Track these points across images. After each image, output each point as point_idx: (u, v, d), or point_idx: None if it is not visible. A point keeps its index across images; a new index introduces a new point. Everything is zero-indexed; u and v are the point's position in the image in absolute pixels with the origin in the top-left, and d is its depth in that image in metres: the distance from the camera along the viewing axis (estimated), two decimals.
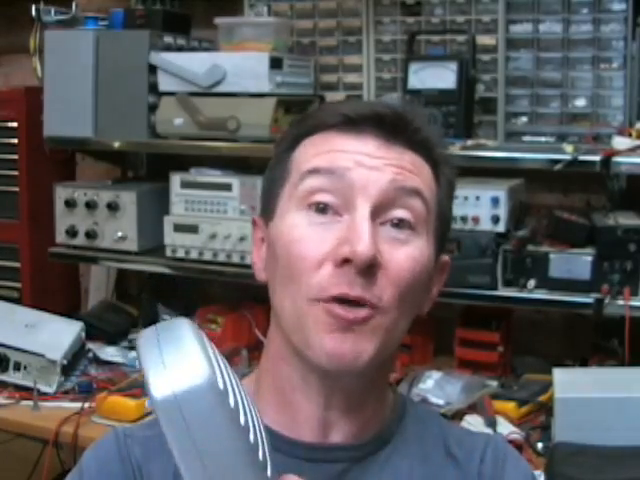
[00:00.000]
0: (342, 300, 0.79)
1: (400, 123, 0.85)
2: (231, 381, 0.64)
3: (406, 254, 0.82)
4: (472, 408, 1.93)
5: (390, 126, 0.85)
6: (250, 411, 0.65)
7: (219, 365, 0.63)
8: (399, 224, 0.83)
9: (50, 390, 2.09)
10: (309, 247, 0.81)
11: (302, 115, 0.93)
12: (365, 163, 0.83)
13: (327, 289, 0.80)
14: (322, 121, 0.87)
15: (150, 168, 2.79)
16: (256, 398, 0.90)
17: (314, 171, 0.84)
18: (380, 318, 0.80)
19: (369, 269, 0.79)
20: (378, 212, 0.82)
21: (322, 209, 0.82)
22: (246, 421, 0.63)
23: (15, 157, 2.62)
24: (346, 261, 0.79)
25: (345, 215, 0.82)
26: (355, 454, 0.87)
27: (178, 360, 0.61)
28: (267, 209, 0.90)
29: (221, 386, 0.60)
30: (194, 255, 2.32)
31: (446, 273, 0.93)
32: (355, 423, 0.87)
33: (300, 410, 0.87)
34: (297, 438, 0.86)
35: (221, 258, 2.29)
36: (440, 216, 0.88)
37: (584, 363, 2.11)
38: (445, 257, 0.92)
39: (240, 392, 0.65)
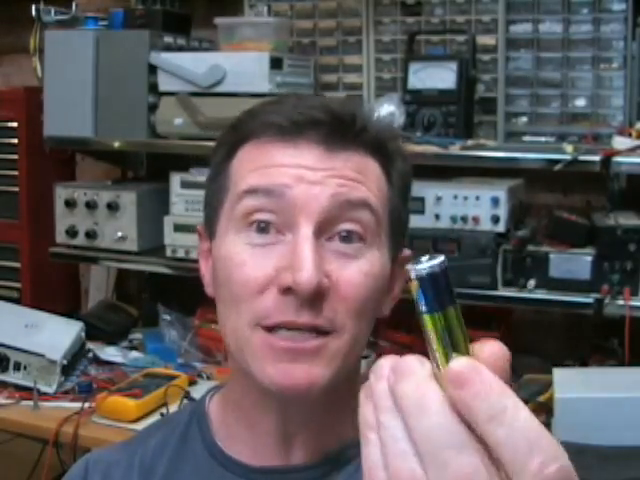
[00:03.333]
0: (289, 327, 0.75)
1: (341, 126, 0.79)
2: None
3: (357, 270, 0.77)
4: None
5: (329, 131, 0.79)
6: None
7: None
8: (347, 237, 0.78)
9: (50, 390, 2.09)
10: (250, 272, 0.77)
11: (235, 119, 0.87)
12: (305, 178, 0.77)
13: (271, 316, 0.76)
14: (255, 130, 0.82)
15: (150, 168, 2.79)
16: (225, 417, 0.88)
17: (251, 191, 0.79)
18: (336, 342, 0.77)
19: (317, 295, 0.74)
20: (323, 229, 0.77)
21: (263, 228, 0.78)
22: None
23: (15, 157, 2.62)
24: (290, 289, 0.74)
25: (288, 234, 0.77)
26: (316, 473, 0.83)
27: None
28: (209, 224, 0.86)
29: None
30: (194, 255, 2.32)
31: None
32: (316, 440, 0.84)
33: (260, 430, 0.84)
34: (258, 463, 0.84)
35: None
36: (393, 216, 0.84)
37: (584, 363, 2.11)
38: (406, 252, 0.88)
39: None
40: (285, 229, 0.78)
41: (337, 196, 0.78)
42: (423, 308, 0.41)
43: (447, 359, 0.41)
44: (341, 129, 0.79)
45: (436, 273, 0.40)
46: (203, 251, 0.88)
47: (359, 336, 0.79)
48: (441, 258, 0.41)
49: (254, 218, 0.78)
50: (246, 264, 0.77)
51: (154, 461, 0.88)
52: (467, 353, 0.41)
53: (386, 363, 0.42)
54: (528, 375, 2.14)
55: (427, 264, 0.40)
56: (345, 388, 0.82)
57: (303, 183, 0.77)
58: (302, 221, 0.76)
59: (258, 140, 0.82)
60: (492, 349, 0.42)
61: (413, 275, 0.41)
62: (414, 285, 0.41)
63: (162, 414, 1.89)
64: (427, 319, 0.41)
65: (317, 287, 0.74)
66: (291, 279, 0.74)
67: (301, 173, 0.78)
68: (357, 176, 0.79)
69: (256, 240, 0.78)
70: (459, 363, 0.40)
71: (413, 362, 0.41)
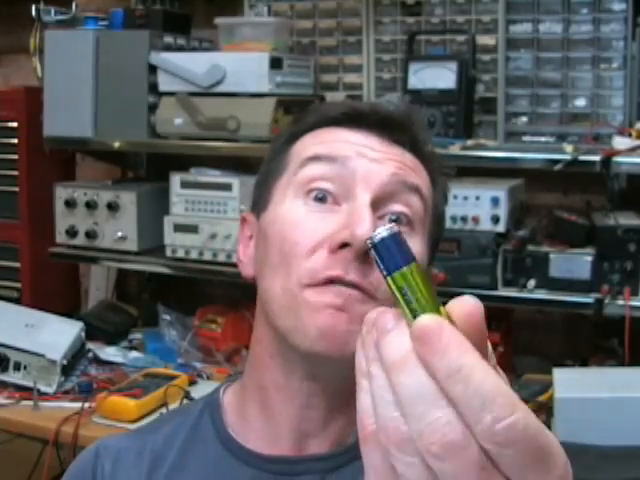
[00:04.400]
0: (336, 282, 0.76)
1: (401, 124, 0.85)
2: None
3: None
4: None
5: (392, 126, 0.84)
6: None
7: None
8: (397, 219, 0.81)
9: (50, 390, 2.09)
10: (304, 233, 0.79)
11: (301, 114, 0.91)
12: (367, 155, 0.82)
13: (320, 272, 0.77)
14: (324, 116, 0.86)
15: (150, 168, 2.79)
16: (240, 405, 0.89)
17: (315, 158, 0.82)
18: (371, 308, 0.78)
19: (367, 256, 0.75)
20: (377, 204, 0.80)
21: (321, 198, 0.80)
22: None
23: (15, 157, 2.62)
24: (343, 246, 0.76)
25: (344, 204, 0.80)
26: (329, 464, 0.84)
27: None
28: (260, 200, 0.87)
29: None
30: (194, 255, 2.32)
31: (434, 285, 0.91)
32: (334, 429, 0.85)
33: (280, 414, 0.84)
34: (270, 452, 0.84)
35: (221, 258, 2.29)
36: (435, 219, 0.87)
37: (584, 363, 2.11)
38: (435, 271, 0.91)
39: None
40: (342, 200, 0.80)
41: (395, 176, 0.82)
42: (383, 273, 0.44)
43: (414, 317, 0.43)
44: (402, 126, 0.85)
45: (385, 238, 0.44)
46: (244, 237, 0.90)
47: None
48: (390, 225, 0.45)
49: (314, 186, 0.81)
50: (300, 225, 0.80)
51: (164, 450, 0.89)
52: (436, 311, 0.43)
53: (374, 316, 0.45)
54: (528, 375, 2.14)
55: (377, 233, 0.44)
56: None
57: (365, 158, 0.82)
58: (360, 192, 0.79)
59: (324, 127, 0.86)
60: (462, 306, 0.43)
61: (369, 245, 0.44)
62: (372, 254, 0.44)
63: (162, 414, 1.89)
64: (388, 281, 0.44)
65: None
66: (348, 234, 0.76)
67: (364, 150, 0.82)
68: (414, 166, 0.85)
69: (313, 207, 0.81)
70: (421, 321, 0.42)
71: (390, 319, 0.44)
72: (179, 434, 0.90)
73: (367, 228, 0.75)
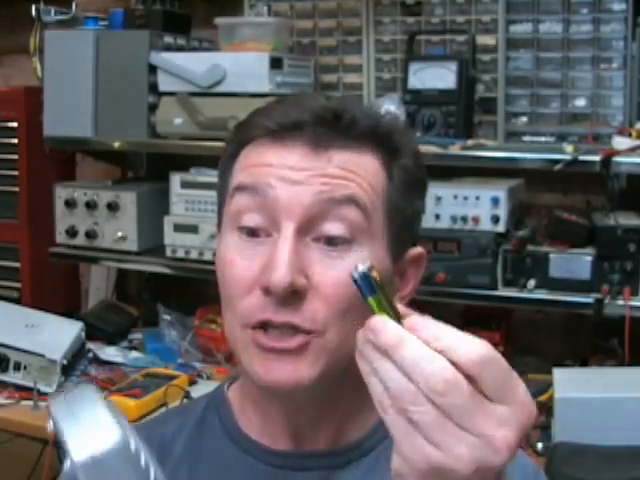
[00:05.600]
0: (269, 325, 0.77)
1: (325, 124, 0.80)
2: (137, 438, 0.68)
3: (342, 271, 0.77)
4: None
5: (314, 130, 0.80)
6: (155, 463, 0.70)
7: (127, 425, 0.68)
8: (332, 239, 0.78)
9: (50, 390, 2.09)
10: (238, 272, 0.79)
11: (238, 123, 0.88)
12: (288, 178, 0.79)
13: (253, 315, 0.78)
14: (250, 133, 0.84)
15: (150, 168, 2.79)
16: (243, 404, 0.90)
17: (239, 188, 0.81)
18: (320, 341, 0.78)
19: (293, 295, 0.76)
20: (308, 228, 0.78)
21: (252, 232, 0.80)
22: (155, 477, 0.67)
23: (15, 157, 2.62)
24: (269, 289, 0.77)
25: (274, 234, 0.79)
26: (333, 462, 0.85)
27: (93, 425, 0.65)
28: (218, 217, 0.88)
29: (133, 448, 0.65)
30: (194, 255, 2.32)
31: (423, 265, 0.88)
32: (328, 430, 0.86)
33: (272, 417, 0.86)
34: (275, 447, 0.86)
35: None
36: (391, 213, 0.82)
37: (584, 363, 2.11)
38: (416, 249, 0.87)
39: (144, 445, 0.70)
40: (272, 230, 0.79)
41: (320, 194, 0.78)
42: (367, 295, 0.61)
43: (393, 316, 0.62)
44: (326, 127, 0.80)
45: (366, 272, 0.60)
46: (216, 242, 0.91)
47: (347, 336, 0.77)
48: (368, 263, 0.61)
49: (243, 223, 0.80)
50: (235, 264, 0.80)
51: (171, 443, 0.90)
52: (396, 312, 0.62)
53: (364, 330, 0.60)
54: (528, 375, 2.14)
55: (361, 268, 0.61)
56: (348, 383, 0.82)
57: (286, 183, 0.79)
58: (284, 221, 0.78)
59: (255, 142, 0.83)
60: (411, 321, 0.60)
61: (356, 276, 0.61)
62: (357, 282, 0.61)
63: (164, 411, 1.89)
64: (371, 301, 0.61)
65: (290, 286, 0.75)
66: (268, 278, 0.76)
67: (285, 173, 0.79)
68: (343, 173, 0.79)
69: (245, 242, 0.80)
70: (411, 318, 0.60)
71: (379, 321, 0.60)
72: (185, 429, 0.91)
73: (281, 274, 0.75)
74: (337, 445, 0.86)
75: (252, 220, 0.80)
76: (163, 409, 1.91)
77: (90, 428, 0.65)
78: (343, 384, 0.83)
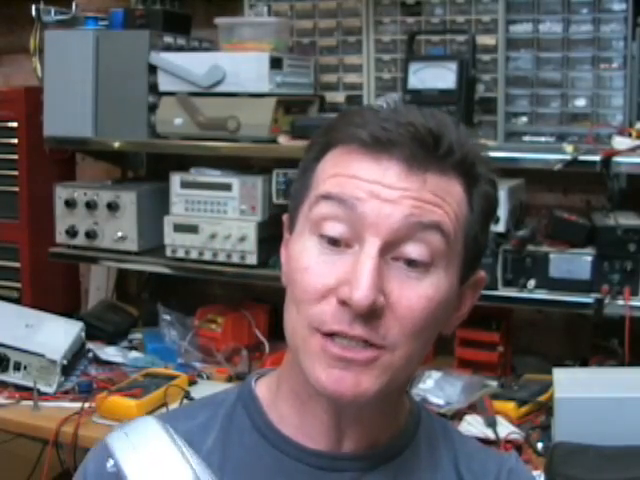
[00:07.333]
0: (340, 335, 0.78)
1: (425, 146, 0.79)
2: (199, 466, 0.65)
3: (418, 294, 0.78)
4: (472, 408, 1.93)
5: (413, 150, 0.79)
6: None
7: (191, 457, 0.65)
8: (413, 262, 0.79)
9: (50, 390, 2.09)
10: (314, 279, 0.79)
11: (328, 124, 0.87)
12: (379, 195, 0.78)
13: (327, 323, 0.78)
14: (343, 138, 0.83)
15: (150, 168, 2.79)
16: (275, 400, 0.91)
17: (326, 197, 0.80)
18: (388, 357, 0.79)
19: (371, 313, 0.76)
20: (390, 247, 0.78)
21: (333, 242, 0.80)
22: None
23: (15, 157, 2.62)
24: (346, 303, 0.77)
25: (356, 246, 0.79)
26: (365, 464, 0.87)
27: (162, 469, 0.62)
28: (291, 217, 0.88)
29: None
30: (194, 255, 2.32)
31: (481, 287, 0.90)
32: (367, 433, 0.87)
33: (314, 417, 0.87)
34: (310, 446, 0.87)
35: (221, 258, 2.29)
36: (468, 240, 0.83)
37: (584, 363, 2.11)
38: (480, 273, 0.89)
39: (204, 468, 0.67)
40: (354, 241, 0.79)
41: (409, 217, 0.78)
42: None
43: None
44: (425, 149, 0.79)
45: None
46: (284, 239, 0.90)
47: (413, 354, 0.80)
48: None
49: (325, 231, 0.80)
50: (310, 270, 0.80)
51: (199, 436, 0.89)
52: None
53: None
54: (528, 375, 2.14)
55: None
56: (397, 393, 0.87)
57: (377, 199, 0.78)
58: (369, 237, 0.78)
59: (345, 147, 0.82)
60: None
61: None
62: None
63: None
64: None
65: (371, 306, 0.76)
66: (348, 293, 0.76)
67: (377, 190, 0.78)
68: (434, 199, 0.79)
69: (325, 249, 0.80)
70: None
71: None
72: (214, 423, 0.91)
73: (363, 292, 0.75)
74: (371, 447, 0.87)
75: (335, 230, 0.79)
76: (163, 409, 1.91)
77: (158, 471, 0.61)
78: (394, 393, 0.86)
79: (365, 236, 0.78)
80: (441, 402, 1.94)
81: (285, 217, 0.91)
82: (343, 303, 0.77)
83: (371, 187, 0.78)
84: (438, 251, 0.79)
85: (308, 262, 0.80)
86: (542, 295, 1.98)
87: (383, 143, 0.79)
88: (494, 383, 2.08)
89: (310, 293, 0.79)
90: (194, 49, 2.49)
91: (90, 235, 2.44)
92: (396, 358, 0.79)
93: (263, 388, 0.93)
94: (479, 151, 0.85)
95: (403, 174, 0.79)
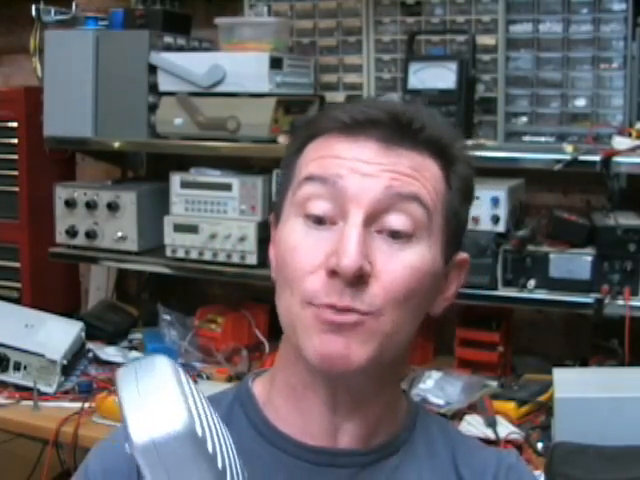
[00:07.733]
0: (332, 307, 0.80)
1: (399, 125, 0.84)
2: (208, 421, 0.63)
3: (402, 263, 0.81)
4: (472, 408, 1.93)
5: (388, 128, 0.84)
6: (227, 448, 0.65)
7: (197, 406, 0.63)
8: (396, 232, 0.82)
9: (50, 390, 2.09)
10: (302, 256, 0.82)
11: (307, 118, 0.93)
12: (359, 170, 0.82)
13: (318, 297, 0.80)
14: (322, 126, 0.87)
15: (150, 168, 2.79)
16: (270, 398, 0.91)
17: (309, 178, 0.84)
18: (374, 322, 0.80)
19: (358, 279, 0.79)
20: (372, 219, 0.81)
21: (319, 220, 0.83)
22: (223, 465, 0.63)
23: (15, 157, 2.62)
24: (335, 272, 0.79)
25: (340, 222, 0.82)
26: (363, 460, 0.87)
27: (157, 405, 0.60)
28: (276, 213, 0.91)
29: (199, 433, 0.60)
30: (194, 255, 2.32)
31: (465, 270, 0.93)
32: (363, 426, 0.87)
33: (310, 410, 0.87)
34: (306, 442, 0.87)
35: (221, 258, 2.29)
36: (449, 216, 0.87)
37: (584, 363, 2.11)
38: (463, 255, 0.92)
39: (216, 427, 0.64)
40: (339, 218, 0.82)
41: (389, 189, 0.82)
42: None
43: None
44: (399, 128, 0.84)
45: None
46: (273, 238, 0.93)
47: (400, 322, 0.82)
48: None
49: (310, 210, 0.83)
50: (299, 248, 0.83)
51: None
52: None
53: None
54: (528, 375, 2.14)
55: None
56: (388, 378, 0.88)
57: (356, 174, 0.82)
58: (352, 210, 0.81)
59: (324, 136, 0.87)
60: None
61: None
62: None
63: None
64: None
65: (358, 271, 0.78)
66: (336, 261, 0.79)
67: (356, 165, 0.83)
68: (412, 172, 0.84)
69: (311, 227, 0.83)
70: None
71: None
72: None
73: (350, 258, 0.78)
74: (368, 444, 0.88)
75: (319, 208, 0.83)
76: None
77: (155, 408, 0.60)
78: (387, 376, 0.87)
79: (349, 209, 0.81)
80: (441, 402, 1.94)
81: (271, 216, 0.94)
82: (332, 273, 0.79)
83: (351, 164, 0.83)
84: (419, 222, 0.83)
85: (295, 242, 0.83)
86: (542, 295, 1.98)
87: (361, 124, 0.84)
88: (494, 383, 2.08)
89: (300, 270, 0.81)
90: (194, 49, 2.49)
91: (90, 235, 2.44)
92: (381, 324, 0.80)
93: (259, 386, 0.94)
94: (451, 132, 0.89)
95: (381, 151, 0.83)
